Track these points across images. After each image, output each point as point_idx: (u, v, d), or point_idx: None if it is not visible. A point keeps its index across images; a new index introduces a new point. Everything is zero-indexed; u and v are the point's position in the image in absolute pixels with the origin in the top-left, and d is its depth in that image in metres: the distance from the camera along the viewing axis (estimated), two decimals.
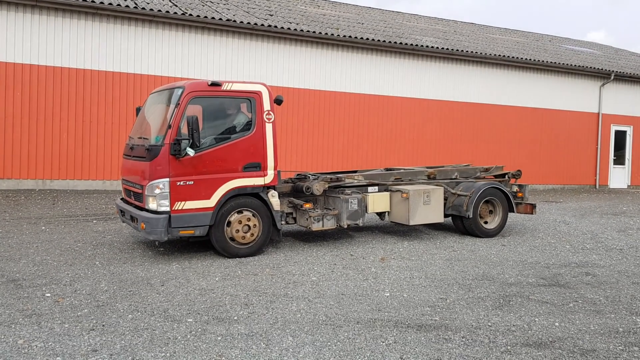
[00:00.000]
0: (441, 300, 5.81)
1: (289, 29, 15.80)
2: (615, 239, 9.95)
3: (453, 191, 9.65)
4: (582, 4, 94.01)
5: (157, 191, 7.05)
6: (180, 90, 7.32)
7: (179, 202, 7.15)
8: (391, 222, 9.48)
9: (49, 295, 5.72)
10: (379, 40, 17.11)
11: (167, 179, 7.08)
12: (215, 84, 7.46)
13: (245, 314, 5.21)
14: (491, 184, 9.79)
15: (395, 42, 17.41)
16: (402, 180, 9.52)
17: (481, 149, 19.19)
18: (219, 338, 4.61)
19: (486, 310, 5.52)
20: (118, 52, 14.31)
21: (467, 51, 18.60)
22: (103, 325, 4.86)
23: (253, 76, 15.84)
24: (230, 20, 15.06)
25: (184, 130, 7.17)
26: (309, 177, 8.90)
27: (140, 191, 7.40)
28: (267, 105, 7.78)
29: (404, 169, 10.28)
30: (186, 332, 4.73)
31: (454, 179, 10.09)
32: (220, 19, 14.96)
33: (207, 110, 7.63)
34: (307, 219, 8.26)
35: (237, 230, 7.56)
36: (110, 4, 13.76)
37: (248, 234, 7.64)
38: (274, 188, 7.90)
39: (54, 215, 10.61)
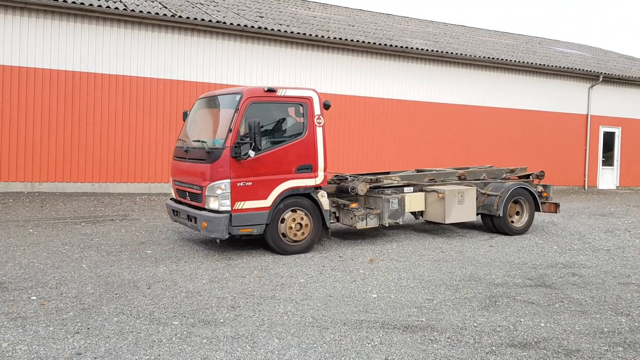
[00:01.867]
0: (428, 301, 5.82)
1: (279, 30, 15.81)
2: (602, 239, 10.02)
3: (483, 191, 10.10)
4: (573, 6, 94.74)
5: (219, 192, 7.46)
6: (239, 96, 7.75)
7: (239, 202, 7.57)
8: (425, 221, 10.04)
9: (34, 298, 5.69)
10: (369, 43, 17.15)
11: (229, 180, 7.49)
12: (270, 90, 7.93)
13: (232, 317, 5.20)
14: (519, 184, 10.26)
15: (386, 45, 17.45)
16: (435, 181, 9.97)
17: (471, 150, 19.27)
18: (204, 341, 4.60)
19: (472, 310, 5.54)
20: (107, 54, 14.26)
21: (457, 53, 18.68)
22: (88, 328, 4.84)
23: (243, 79, 15.84)
24: (220, 22, 15.05)
25: (242, 133, 7.61)
26: (348, 177, 9.35)
27: (199, 192, 7.81)
28: (317, 109, 8.27)
29: (436, 170, 10.76)
30: (171, 335, 4.72)
31: (482, 179, 10.58)
32: (210, 20, 14.94)
33: (263, 115, 7.91)
34: (351, 218, 8.68)
35: (290, 229, 7.98)
36: (99, 6, 13.72)
37: (299, 232, 8.06)
38: (322, 188, 8.31)
39: (42, 217, 10.55)
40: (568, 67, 20.85)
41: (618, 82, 22.25)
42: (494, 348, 4.54)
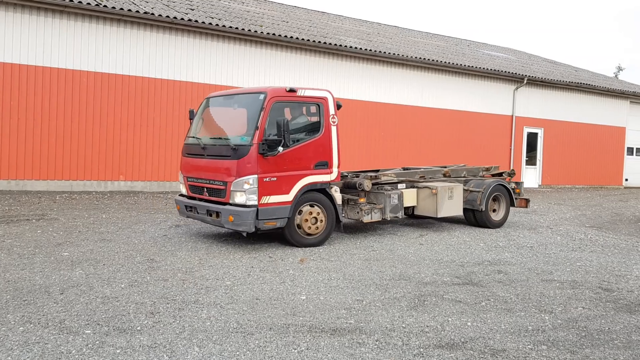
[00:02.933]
0: (357, 302, 5.72)
1: (210, 24, 15.37)
2: (526, 237, 10.32)
3: (466, 187, 10.87)
4: (501, 10, 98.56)
5: (247, 186, 7.78)
6: (263, 95, 8.09)
7: (265, 197, 7.93)
8: (417, 215, 10.67)
9: None
10: (303, 39, 16.99)
11: (256, 176, 7.84)
12: (292, 90, 8.36)
13: (150, 324, 4.88)
14: (498, 181, 11.20)
15: (320, 42, 17.36)
16: (425, 178, 10.66)
17: (403, 149, 19.51)
18: (118, 351, 4.27)
19: (401, 311, 5.48)
20: (33, 45, 13.37)
21: (390, 53, 18.85)
22: None
23: (172, 72, 15.30)
24: (148, 13, 14.44)
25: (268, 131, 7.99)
26: (347, 175, 10.00)
27: (222, 187, 8.08)
28: (332, 109, 8.78)
29: (424, 168, 11.55)
30: (82, 346, 4.35)
31: (463, 177, 11.34)
32: (137, 11, 14.30)
33: (285, 114, 8.50)
34: (357, 212, 9.31)
35: (306, 222, 8.42)
36: None
37: (314, 226, 8.50)
38: (335, 184, 8.77)
39: None
40: (495, 70, 21.52)
41: (541, 85, 23.21)
42: (421, 350, 4.47)
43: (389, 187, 9.86)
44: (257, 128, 7.87)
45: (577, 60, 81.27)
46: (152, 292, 5.87)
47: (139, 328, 4.77)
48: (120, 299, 5.59)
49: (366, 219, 9.27)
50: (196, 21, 15.12)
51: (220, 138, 8.53)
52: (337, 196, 8.76)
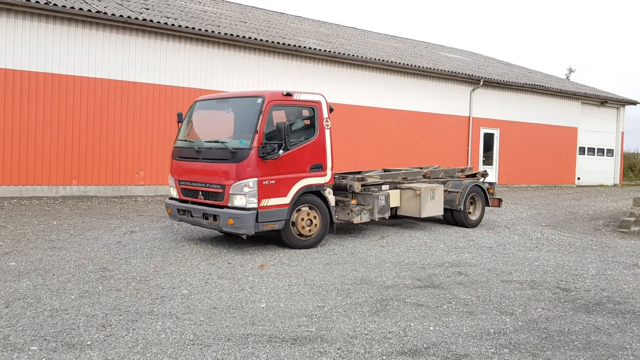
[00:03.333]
0: (319, 309, 5.60)
1: (165, 23, 15.01)
2: (485, 237, 10.42)
3: (444, 188, 11.12)
4: (457, 13, 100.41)
5: (247, 189, 7.87)
6: (261, 99, 8.17)
7: (265, 200, 8.02)
8: (399, 215, 10.76)
9: None
10: (261, 40, 16.79)
11: (256, 179, 7.94)
12: (288, 94, 8.48)
13: (101, 338, 4.63)
14: (475, 182, 11.59)
15: (279, 43, 17.19)
16: (407, 179, 10.95)
17: (363, 150, 19.51)
18: None
19: (363, 317, 5.38)
20: None
21: (349, 54, 18.84)
22: None
23: (127, 74, 14.86)
24: (101, 12, 13.98)
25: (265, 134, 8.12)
26: (335, 176, 9.83)
27: (219, 190, 8.14)
28: (325, 113, 8.96)
29: (406, 170, 11.75)
30: None
31: (441, 178, 11.71)
32: (90, 10, 13.83)
33: (282, 118, 8.55)
34: (348, 214, 9.48)
35: (301, 223, 8.55)
36: None
37: (309, 228, 8.64)
38: (328, 186, 8.92)
39: None
40: (452, 71, 21.80)
41: (497, 86, 23.65)
42: (384, 357, 4.39)
43: (376, 189, 10.05)
44: (256, 132, 7.97)
45: (530, 62, 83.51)
46: (104, 303, 5.60)
47: (89, 342, 4.52)
48: (69, 311, 5.30)
49: (356, 220, 9.46)
50: (151, 21, 14.73)
51: (217, 142, 8.48)
52: (331, 198, 8.94)
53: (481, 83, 22.55)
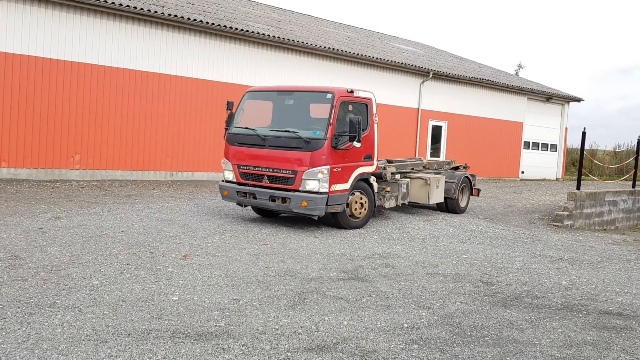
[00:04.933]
0: (234, 302, 5.42)
1: (105, 1, 14.37)
2: (420, 228, 10.45)
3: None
4: (412, 5, 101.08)
5: (320, 176, 8.88)
6: (331, 95, 9.19)
7: (334, 185, 9.05)
8: (409, 202, 11.66)
9: None
10: (207, 22, 16.33)
11: (329, 166, 8.96)
12: (351, 91, 9.49)
13: None
14: (465, 174, 13.04)
15: (226, 26, 16.77)
16: (413, 170, 12.31)
17: None
18: None
19: (278, 310, 5.24)
20: None
21: (299, 41, 18.58)
22: None
23: (56, 51, 14.19)
24: None
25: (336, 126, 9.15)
26: None
27: (290, 176, 9.09)
28: (374, 109, 10.07)
29: (411, 161, 13.08)
30: None
31: (435, 169, 13.11)
32: None
33: (346, 112, 9.46)
34: (380, 199, 10.56)
35: (355, 206, 9.64)
36: None
37: (360, 210, 9.74)
38: (372, 174, 10.06)
39: None
40: (403, 63, 21.84)
41: (446, 79, 23.86)
42: (289, 354, 4.25)
43: (398, 177, 11.38)
44: (329, 124, 8.96)
45: (482, 56, 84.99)
46: (4, 294, 5.27)
47: None
48: None
49: (387, 204, 10.74)
50: None
51: (287, 131, 9.23)
52: (375, 185, 10.12)
53: (430, 75, 22.70)
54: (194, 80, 16.64)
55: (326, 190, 8.90)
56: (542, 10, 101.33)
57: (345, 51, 19.97)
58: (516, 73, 42.92)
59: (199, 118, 16.83)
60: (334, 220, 9.58)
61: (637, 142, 17.43)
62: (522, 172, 27.53)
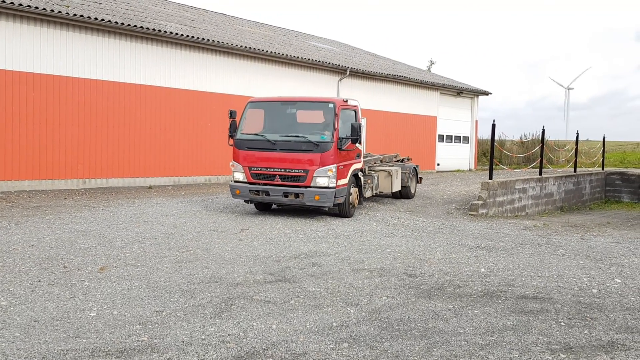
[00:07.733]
0: (156, 314, 5.20)
1: (3, 1, 13.41)
2: (344, 225, 10.55)
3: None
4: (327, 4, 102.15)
5: (330, 173, 10.68)
6: (333, 105, 11.10)
7: (339, 180, 10.80)
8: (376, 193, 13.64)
9: None
10: (116, 22, 15.66)
11: (336, 165, 10.78)
12: (345, 100, 11.45)
13: None
14: (414, 165, 15.65)
15: (136, 26, 16.15)
16: (376, 164, 14.33)
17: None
18: None
19: (204, 319, 5.09)
20: None
21: (214, 41, 18.24)
22: None
23: None
24: None
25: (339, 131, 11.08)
26: None
27: (302, 174, 10.80)
28: (360, 114, 12.05)
29: (370, 156, 14.73)
30: None
31: (388, 162, 15.14)
32: None
33: (345, 118, 11.32)
34: (363, 190, 12.41)
35: (354, 196, 11.62)
36: None
37: (356, 200, 11.80)
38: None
39: None
40: (320, 61, 21.99)
41: (363, 77, 24.28)
42: None
43: (371, 171, 13.36)
44: (334, 129, 10.81)
45: (396, 53, 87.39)
46: None
47: None
48: None
49: (367, 194, 12.72)
50: None
51: (297, 135, 10.99)
52: (362, 179, 12.11)
53: (347, 73, 23.01)
54: (102, 83, 15.91)
55: (334, 185, 10.64)
56: (452, 8, 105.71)
57: (263, 50, 19.83)
58: (428, 69, 44.40)
59: (111, 122, 16.12)
60: (339, 209, 11.24)
61: (542, 132, 18.52)
62: (438, 165, 28.54)
